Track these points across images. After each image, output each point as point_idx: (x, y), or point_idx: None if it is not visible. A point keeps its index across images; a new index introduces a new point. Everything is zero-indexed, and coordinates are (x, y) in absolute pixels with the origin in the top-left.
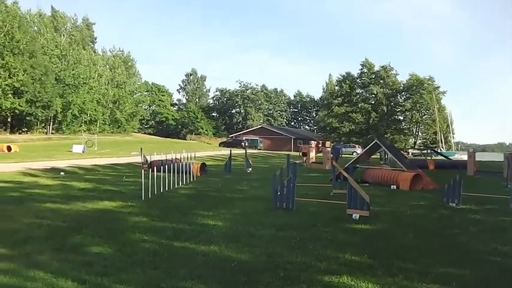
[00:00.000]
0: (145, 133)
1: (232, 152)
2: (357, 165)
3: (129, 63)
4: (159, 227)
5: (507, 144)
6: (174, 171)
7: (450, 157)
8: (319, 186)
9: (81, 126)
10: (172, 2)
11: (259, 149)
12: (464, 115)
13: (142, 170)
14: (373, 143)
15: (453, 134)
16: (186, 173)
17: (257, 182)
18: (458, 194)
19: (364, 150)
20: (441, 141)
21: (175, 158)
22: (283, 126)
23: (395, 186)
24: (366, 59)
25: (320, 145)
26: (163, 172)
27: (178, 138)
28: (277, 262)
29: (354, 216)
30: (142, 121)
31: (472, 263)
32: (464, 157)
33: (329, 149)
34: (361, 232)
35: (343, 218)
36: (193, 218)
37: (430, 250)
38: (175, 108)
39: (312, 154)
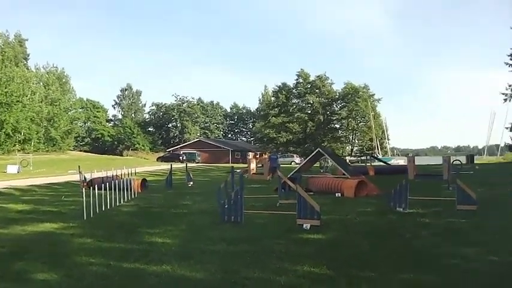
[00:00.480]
0: (81, 150)
1: (171, 166)
2: (301, 174)
3: (64, 80)
4: (106, 248)
5: (439, 147)
6: (114, 189)
7: (388, 162)
8: (264, 197)
9: (15, 145)
10: (105, 17)
11: (198, 163)
12: (397, 121)
13: (83, 189)
14: (316, 151)
15: (388, 139)
16: (127, 190)
17: (200, 196)
18: (405, 199)
19: (307, 159)
20: (377, 148)
21: (115, 175)
22: (220, 138)
23: (340, 194)
24: (301, 69)
25: (258, 156)
26: (103, 190)
27: (115, 155)
28: (234, 279)
29: (304, 226)
30: (78, 138)
31: (433, 268)
32: (401, 162)
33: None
34: (314, 242)
35: (294, 228)
36: (140, 237)
37: (387, 257)
38: (111, 124)
39: (253, 165)
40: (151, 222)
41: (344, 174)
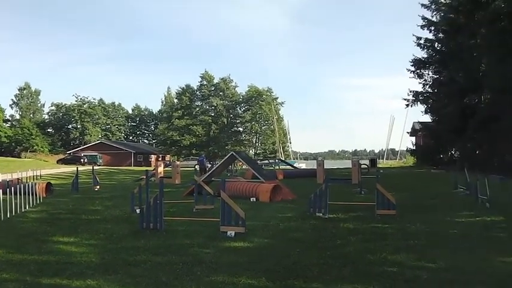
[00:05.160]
0: None
1: (78, 169)
2: (212, 179)
3: None
4: (19, 261)
5: (337, 151)
6: (18, 193)
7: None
8: (177, 203)
9: None
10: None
11: (99, 165)
12: (298, 125)
13: None
14: (229, 155)
15: (290, 143)
16: (30, 194)
17: (110, 201)
18: (325, 204)
19: (220, 163)
20: (280, 151)
21: (18, 178)
22: (122, 140)
23: (255, 199)
24: (205, 71)
25: (160, 159)
26: (4, 194)
27: (13, 156)
28: None
29: (229, 233)
30: None
31: (373, 277)
32: (303, 165)
33: (178, 163)
34: (244, 251)
35: (218, 236)
36: (55, 247)
37: (324, 265)
38: (8, 125)
39: (160, 169)
40: (63, 230)
41: (257, 178)
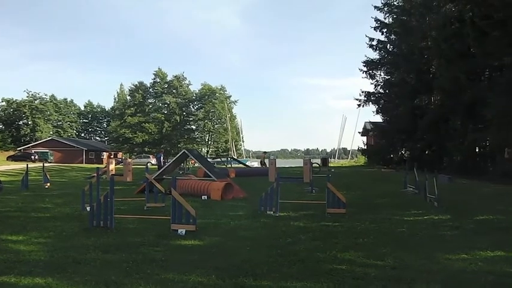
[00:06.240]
0: None
1: (28, 166)
2: (164, 176)
3: None
4: None
5: (289, 150)
6: None
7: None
8: (129, 201)
9: None
10: None
11: (51, 162)
12: (251, 123)
13: None
14: (181, 153)
15: (243, 141)
16: None
17: (60, 198)
18: (276, 202)
19: (172, 160)
20: (233, 149)
21: None
22: (74, 137)
23: (206, 196)
24: (159, 68)
25: (112, 156)
26: None
27: None
28: None
29: (179, 231)
30: None
31: (322, 274)
32: (255, 164)
33: (130, 161)
34: (195, 249)
35: (169, 234)
36: (3, 245)
37: (274, 263)
38: None
39: (112, 166)
40: (12, 228)
41: (209, 176)
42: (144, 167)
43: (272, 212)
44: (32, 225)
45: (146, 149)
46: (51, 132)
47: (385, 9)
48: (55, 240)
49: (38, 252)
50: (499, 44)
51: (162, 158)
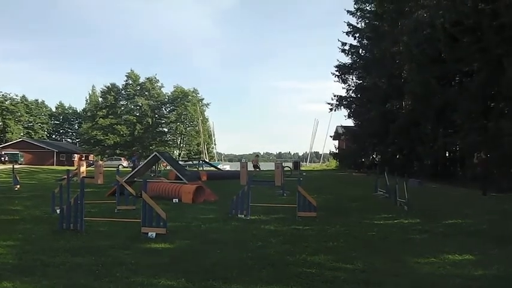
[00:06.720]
0: None
1: None
2: (135, 179)
3: None
4: None
5: (261, 154)
6: None
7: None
8: (99, 203)
9: None
10: None
11: (21, 164)
12: (223, 127)
13: None
14: (153, 155)
15: (215, 144)
16: None
17: (30, 201)
18: (247, 206)
19: (143, 163)
20: (204, 152)
21: None
22: (45, 139)
23: (177, 200)
24: (131, 70)
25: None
26: None
27: None
28: None
29: (149, 234)
30: None
31: (292, 278)
32: (227, 167)
33: (102, 163)
34: (165, 252)
35: (139, 237)
36: None
37: (243, 266)
38: None
39: (83, 168)
40: None
41: (180, 179)
42: (115, 169)
43: (243, 216)
44: (0, 227)
45: (118, 151)
46: (22, 134)
47: (358, 13)
48: (23, 243)
49: (6, 255)
50: (469, 50)
51: (136, 160)
